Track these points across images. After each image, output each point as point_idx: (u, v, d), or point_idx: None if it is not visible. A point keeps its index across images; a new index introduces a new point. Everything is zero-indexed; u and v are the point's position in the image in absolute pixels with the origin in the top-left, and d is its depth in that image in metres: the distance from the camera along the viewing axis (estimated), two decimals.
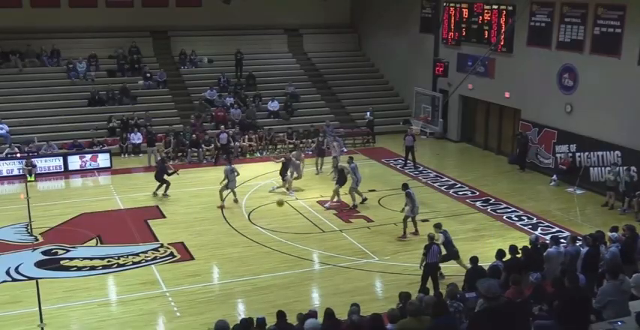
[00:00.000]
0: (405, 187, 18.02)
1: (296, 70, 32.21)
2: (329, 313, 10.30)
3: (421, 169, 24.03)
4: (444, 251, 14.58)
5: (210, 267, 16.07)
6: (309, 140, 26.34)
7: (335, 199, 20.23)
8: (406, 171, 24.00)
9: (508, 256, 12.99)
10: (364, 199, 20.39)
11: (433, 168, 24.22)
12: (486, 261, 13.56)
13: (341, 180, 20.27)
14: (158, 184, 20.88)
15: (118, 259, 16.21)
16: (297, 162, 22.03)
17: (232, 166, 20.29)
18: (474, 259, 12.89)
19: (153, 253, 16.58)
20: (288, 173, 21.52)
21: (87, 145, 25.02)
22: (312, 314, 11.20)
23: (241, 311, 13.71)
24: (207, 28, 31.76)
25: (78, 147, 24.77)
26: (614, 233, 13.95)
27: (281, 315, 10.68)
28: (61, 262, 16.00)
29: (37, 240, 17.40)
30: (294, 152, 23.07)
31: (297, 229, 18.22)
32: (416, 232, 17.59)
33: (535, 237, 14.51)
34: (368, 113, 28.34)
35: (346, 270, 15.70)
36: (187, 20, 31.41)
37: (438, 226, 15.09)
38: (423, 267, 14.02)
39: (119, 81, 28.83)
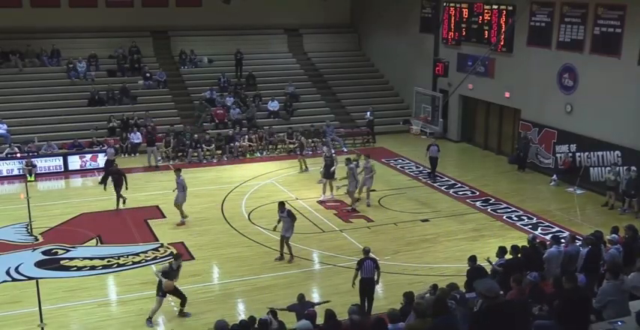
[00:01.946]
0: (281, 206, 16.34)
1: (296, 70, 32.20)
2: (330, 314, 10.29)
3: (421, 168, 23.98)
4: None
5: (210, 267, 16.07)
6: (309, 140, 26.34)
7: (328, 194, 20.36)
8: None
9: (509, 256, 12.96)
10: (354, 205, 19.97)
11: None
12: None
13: (326, 173, 20.47)
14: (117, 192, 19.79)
15: (118, 259, 16.21)
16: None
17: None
18: (473, 258, 12.86)
19: (153, 253, 16.58)
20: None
21: (87, 145, 25.01)
22: (312, 314, 11.22)
23: (241, 311, 13.71)
24: (207, 28, 31.76)
25: (78, 147, 24.77)
26: (613, 235, 13.92)
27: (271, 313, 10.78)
28: (61, 262, 16.01)
29: (37, 240, 17.39)
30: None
31: (297, 229, 18.09)
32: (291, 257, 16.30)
33: (533, 236, 14.48)
34: (368, 113, 28.34)
35: (346, 270, 15.63)
36: (187, 20, 31.42)
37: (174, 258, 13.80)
38: (359, 282, 13.11)
39: (119, 81, 28.82)
